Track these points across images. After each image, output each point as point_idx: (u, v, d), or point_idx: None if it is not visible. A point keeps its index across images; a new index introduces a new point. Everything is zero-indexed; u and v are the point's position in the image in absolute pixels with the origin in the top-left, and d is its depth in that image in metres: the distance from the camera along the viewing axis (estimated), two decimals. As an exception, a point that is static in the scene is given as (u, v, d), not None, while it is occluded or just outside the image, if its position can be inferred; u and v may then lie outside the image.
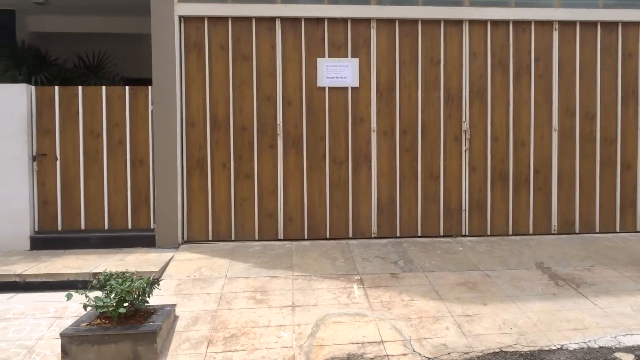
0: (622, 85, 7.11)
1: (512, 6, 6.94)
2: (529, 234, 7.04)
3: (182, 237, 6.70)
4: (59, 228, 6.61)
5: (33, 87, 6.60)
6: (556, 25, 7.00)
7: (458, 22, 6.93)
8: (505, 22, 6.97)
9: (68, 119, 6.59)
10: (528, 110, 7.02)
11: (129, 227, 6.69)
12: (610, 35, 7.09)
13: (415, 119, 6.92)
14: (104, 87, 6.67)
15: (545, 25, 7.01)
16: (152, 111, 6.62)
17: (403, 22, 6.86)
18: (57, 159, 6.58)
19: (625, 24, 7.09)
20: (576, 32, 7.04)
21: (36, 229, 6.58)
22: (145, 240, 6.56)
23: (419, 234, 6.93)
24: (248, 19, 6.73)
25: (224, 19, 6.72)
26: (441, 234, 6.96)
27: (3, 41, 8.32)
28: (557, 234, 7.06)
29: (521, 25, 6.99)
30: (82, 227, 6.63)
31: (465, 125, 6.94)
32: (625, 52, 7.11)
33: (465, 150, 6.96)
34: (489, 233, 7.01)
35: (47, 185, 6.59)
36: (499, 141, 7.00)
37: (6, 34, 8.47)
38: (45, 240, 6.52)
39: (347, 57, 6.85)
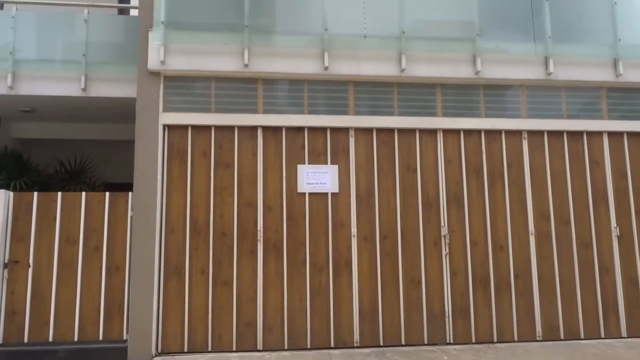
0: (592, 190, 7.37)
1: (482, 117, 7.31)
2: (514, 341, 6.89)
3: (156, 349, 6.39)
4: (26, 340, 6.28)
5: (11, 193, 6.56)
6: (525, 134, 7.35)
7: (432, 131, 7.24)
8: (477, 131, 7.30)
9: (45, 225, 6.50)
10: (504, 215, 7.16)
11: (100, 338, 6.39)
12: (576, 144, 7.45)
13: (395, 224, 6.99)
14: (83, 193, 6.67)
15: (515, 134, 7.36)
16: (131, 217, 6.59)
17: (380, 130, 7.15)
18: (29, 266, 6.41)
19: (590, 133, 7.48)
20: (544, 140, 7.39)
21: (0, 341, 6.23)
22: (116, 352, 6.24)
23: (403, 342, 6.74)
24: (231, 128, 6.95)
25: (207, 127, 6.92)
26: (425, 342, 6.77)
27: (-15, 147, 8.41)
28: (542, 340, 6.93)
29: (492, 134, 7.33)
30: (50, 338, 6.32)
31: (444, 230, 7.02)
32: (592, 160, 7.44)
33: (446, 255, 6.98)
34: (473, 340, 6.85)
35: (17, 294, 6.35)
36: (478, 246, 7.06)
37: (-11, 141, 8.58)
38: (9, 354, 6.15)
39: (326, 163, 7.02)
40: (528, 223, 7.18)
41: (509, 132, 7.35)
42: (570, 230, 7.24)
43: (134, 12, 9.47)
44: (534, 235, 7.15)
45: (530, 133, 7.37)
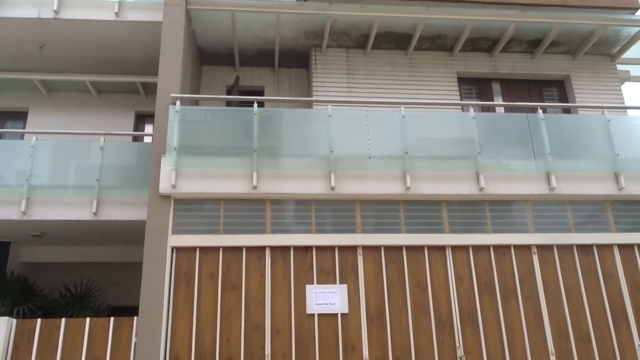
0: (609, 305, 7.14)
1: (490, 232, 7.31)
2: None
3: None
4: None
5: (14, 321, 6.43)
6: (535, 249, 7.30)
7: (441, 248, 7.21)
8: (486, 247, 7.26)
9: (46, 354, 6.29)
10: (521, 334, 6.88)
11: None
12: (587, 257, 7.36)
13: (408, 346, 6.71)
14: (88, 319, 6.53)
15: (524, 249, 7.31)
16: (135, 343, 6.38)
17: (388, 248, 7.13)
18: (26, 400, 6.09)
19: (600, 246, 7.42)
20: (555, 254, 7.31)
21: None
22: None
23: None
24: (239, 249, 6.95)
25: (216, 249, 6.93)
26: None
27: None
28: None
29: (501, 249, 7.28)
30: None
31: (460, 352, 6.71)
32: (606, 273, 7.30)
33: (463, 379, 6.63)
34: None
35: None
36: (496, 367, 6.72)
37: (-2, 265, 8.59)
38: None
39: (335, 283, 6.92)
40: (547, 342, 6.87)
41: (519, 247, 7.30)
42: (592, 349, 6.90)
43: (146, 139, 9.90)
44: (554, 356, 6.81)
45: (540, 247, 7.32)
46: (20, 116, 10.24)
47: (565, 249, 7.36)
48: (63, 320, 6.49)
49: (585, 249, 7.40)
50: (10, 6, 8.73)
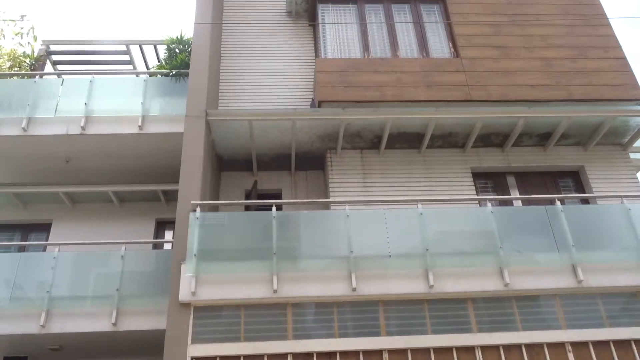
0: (658, 406, 6.65)
1: (520, 330, 7.02)
2: None
3: None
4: None
5: None
6: (569, 347, 6.95)
7: (470, 349, 6.90)
8: (517, 346, 6.93)
9: None
10: None
11: None
12: (627, 354, 6.95)
13: None
14: None
15: (558, 347, 6.96)
16: None
17: (415, 351, 6.84)
18: None
19: (638, 341, 7.04)
20: (591, 353, 6.93)
21: None
22: None
23: None
24: (260, 357, 6.72)
25: (236, 357, 6.71)
26: None
27: None
28: None
29: (534, 348, 6.94)
30: None
31: None
32: (649, 371, 6.87)
33: None
34: None
35: None
36: None
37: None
38: None
39: (362, 391, 6.59)
40: None
41: (552, 345, 6.95)
42: None
43: (166, 245, 9.98)
44: None
45: (575, 345, 6.96)
46: (44, 228, 10.46)
47: (601, 345, 7.00)
48: None
49: (623, 345, 7.02)
50: (40, 125, 9.26)
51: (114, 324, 7.59)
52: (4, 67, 11.55)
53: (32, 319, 7.64)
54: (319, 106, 9.35)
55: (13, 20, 11.80)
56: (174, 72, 10.03)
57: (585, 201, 9.33)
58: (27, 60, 11.85)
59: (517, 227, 8.03)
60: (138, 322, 7.68)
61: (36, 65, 11.92)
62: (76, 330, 7.62)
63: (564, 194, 9.48)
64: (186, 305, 6.96)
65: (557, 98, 9.48)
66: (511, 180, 9.78)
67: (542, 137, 9.73)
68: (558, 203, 7.88)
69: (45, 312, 7.63)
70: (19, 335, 7.68)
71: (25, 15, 11.97)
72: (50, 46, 12.71)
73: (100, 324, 7.64)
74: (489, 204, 7.93)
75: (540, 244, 7.73)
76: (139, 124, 9.22)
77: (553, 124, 9.38)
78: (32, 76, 10.83)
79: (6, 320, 7.69)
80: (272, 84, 10.65)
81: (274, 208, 7.70)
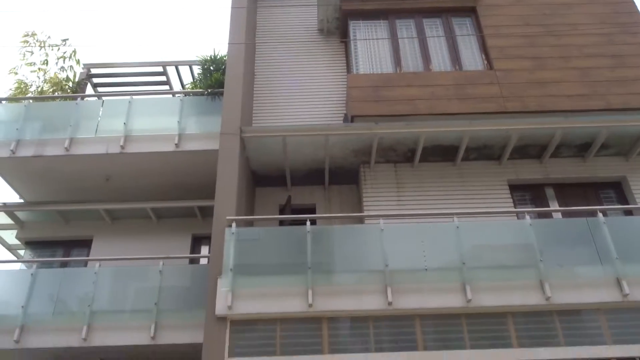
0: None
1: (562, 345, 6.81)
2: None
3: None
4: None
5: None
6: (615, 364, 6.70)
7: (511, 365, 6.72)
8: (561, 362, 6.73)
9: None
10: None
11: None
12: (677, 372, 6.67)
13: None
14: None
15: (602, 363, 6.72)
16: None
17: (454, 367, 6.70)
18: None
19: (689, 358, 6.74)
20: (640, 369, 6.68)
21: None
22: None
23: None
24: (296, 373, 6.70)
25: (273, 372, 6.71)
26: None
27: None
28: None
29: (578, 365, 6.71)
30: None
31: None
32: (703, 389, 6.55)
33: None
34: None
35: None
36: None
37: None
38: None
39: (399, 407, 6.47)
40: None
41: (597, 362, 6.72)
42: None
43: (202, 260, 10.11)
44: None
45: (621, 361, 6.72)
46: (85, 244, 10.74)
47: (650, 362, 6.72)
48: None
49: (672, 362, 6.73)
50: (81, 144, 9.58)
51: (153, 338, 7.71)
52: (49, 91, 12.02)
53: (74, 332, 7.82)
54: (352, 121, 9.39)
55: (57, 45, 12.30)
56: (209, 91, 10.24)
57: (628, 212, 9.04)
58: (70, 84, 12.29)
59: (557, 240, 7.84)
60: (176, 336, 7.78)
61: (77, 88, 12.36)
62: (116, 344, 7.77)
63: (606, 205, 9.19)
64: (222, 319, 7.01)
65: (595, 108, 9.28)
66: (550, 192, 9.56)
67: (581, 148, 9.50)
68: (600, 215, 7.66)
69: (87, 325, 7.81)
70: (62, 349, 7.87)
71: (68, 39, 12.45)
72: (91, 69, 13.17)
73: (139, 337, 7.77)
74: (527, 217, 7.77)
75: (581, 256, 7.53)
76: (176, 142, 9.43)
77: (592, 135, 9.16)
78: (74, 98, 11.23)
79: (50, 334, 7.90)
80: (305, 100, 10.77)
81: (308, 222, 7.73)
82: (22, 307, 8.02)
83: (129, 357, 8.34)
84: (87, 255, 10.41)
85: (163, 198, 10.37)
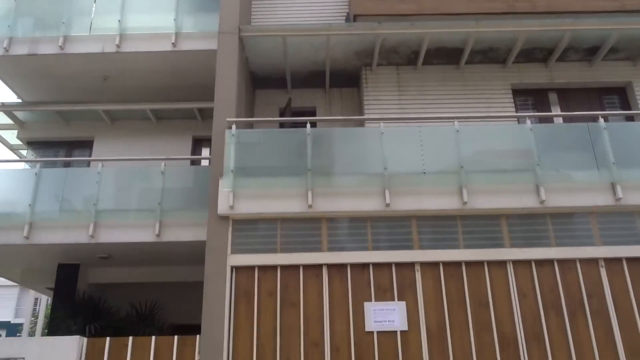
0: (688, 321, 6.72)
1: (554, 246, 7.06)
2: None
3: None
4: None
5: (85, 340, 6.71)
6: (602, 263, 6.98)
7: (502, 263, 7.01)
8: (550, 261, 7.01)
9: (115, 371, 6.51)
10: (591, 353, 6.56)
11: None
12: (661, 271, 6.98)
13: (471, 364, 6.54)
14: (153, 338, 6.73)
15: (591, 262, 7.00)
16: (198, 361, 6.53)
17: (447, 264, 7.00)
18: (96, 416, 6.31)
19: (674, 259, 7.02)
20: (624, 268, 6.97)
21: None
22: None
23: None
24: (296, 267, 7.01)
25: (273, 267, 7.02)
26: None
27: (65, 293, 8.83)
28: None
29: (566, 263, 7.00)
30: None
31: (527, 371, 6.48)
32: (683, 287, 6.89)
33: (531, 400, 6.37)
34: None
35: None
36: (566, 388, 6.42)
37: (69, 286, 9.00)
38: None
39: (393, 300, 6.85)
40: (621, 361, 6.53)
41: (585, 261, 7.00)
42: (671, 368, 6.51)
43: (204, 162, 10.22)
44: (629, 376, 6.46)
45: (608, 261, 6.99)
46: (86, 145, 10.81)
47: (635, 262, 7.01)
48: (130, 338, 6.72)
49: (658, 261, 7.02)
50: (76, 43, 9.29)
51: (158, 235, 7.98)
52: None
53: (82, 230, 8.07)
54: (354, 20, 9.07)
55: None
56: (205, -15, 9.78)
57: (630, 118, 9.00)
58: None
59: (556, 145, 7.85)
60: (180, 234, 8.04)
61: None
62: (122, 241, 8.05)
63: (609, 110, 9.13)
64: (225, 218, 7.22)
65: (607, 9, 8.93)
66: (553, 97, 9.47)
67: (588, 52, 9.27)
68: (601, 120, 7.63)
69: (93, 223, 8.04)
70: (70, 245, 8.17)
71: None
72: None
73: (145, 235, 8.04)
74: (528, 121, 7.74)
75: (579, 162, 7.58)
76: (172, 41, 9.14)
77: (602, 37, 8.89)
78: (65, -8, 10.74)
79: (58, 231, 8.16)
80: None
81: (308, 125, 7.72)
82: (30, 205, 8.21)
83: (136, 253, 8.68)
84: (89, 156, 10.51)
85: (162, 99, 10.27)
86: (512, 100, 9.24)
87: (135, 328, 8.35)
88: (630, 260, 7.00)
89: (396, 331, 6.68)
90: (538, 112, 9.27)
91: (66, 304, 8.60)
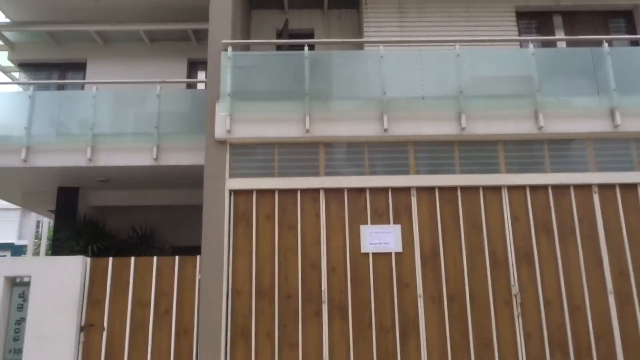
0: (674, 245, 6.93)
1: (549, 172, 7.14)
2: (600, 411, 6.39)
3: (223, 415, 6.35)
4: (98, 404, 6.41)
5: (88, 259, 6.90)
6: (595, 189, 7.09)
7: (497, 188, 7.11)
8: (544, 187, 7.11)
9: (119, 288, 6.76)
10: (579, 273, 6.81)
11: (169, 402, 6.42)
12: (652, 197, 7.11)
13: (462, 283, 6.79)
14: (155, 258, 6.93)
15: (584, 188, 7.11)
16: (199, 280, 6.76)
17: (442, 189, 7.10)
18: (104, 330, 6.61)
19: (666, 185, 7.13)
20: (617, 194, 7.09)
21: (75, 405, 6.39)
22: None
23: (477, 410, 6.38)
24: (294, 191, 7.11)
25: (271, 191, 7.11)
26: (501, 410, 6.39)
27: (66, 215, 8.97)
28: (632, 410, 6.39)
29: (560, 189, 7.11)
30: (122, 402, 6.41)
31: (515, 289, 6.74)
32: (672, 213, 7.04)
33: (518, 316, 6.67)
34: (554, 410, 6.40)
35: (91, 358, 6.53)
36: (552, 305, 6.71)
37: (69, 209, 9.14)
38: (83, 417, 6.27)
39: (389, 223, 7.01)
40: (606, 282, 6.79)
41: (578, 187, 7.11)
42: (653, 288, 6.78)
43: (200, 86, 10.08)
44: (612, 295, 6.74)
45: (601, 187, 7.10)
46: (79, 67, 10.61)
47: (628, 188, 7.12)
48: (132, 258, 6.92)
49: (650, 188, 7.13)
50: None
51: (155, 159, 8.00)
52: None
53: (80, 153, 8.07)
54: (355, -64, 8.64)
55: None
56: None
57: (634, 43, 8.81)
58: None
59: (558, 70, 7.73)
60: (177, 158, 8.06)
61: None
62: (120, 164, 8.08)
63: (614, 35, 8.91)
64: (222, 142, 7.21)
65: None
66: (558, 20, 9.21)
67: (597, -28, 8.93)
68: (605, 45, 7.47)
69: (91, 147, 8.03)
70: (69, 168, 8.20)
71: None
72: None
73: (143, 159, 8.06)
74: (530, 45, 7.57)
75: (581, 88, 7.49)
76: (165, -44, 8.76)
77: (612, -44, 8.54)
78: None
79: (55, 154, 8.14)
80: None
81: (306, 48, 7.54)
82: (25, 128, 8.16)
83: (134, 177, 8.75)
84: (82, 79, 10.34)
85: (155, 20, 9.96)
86: (515, 23, 9.00)
87: (136, 249, 8.58)
88: (623, 186, 7.10)
89: (391, 253, 6.89)
90: (542, 35, 9.04)
91: (68, 226, 8.77)
